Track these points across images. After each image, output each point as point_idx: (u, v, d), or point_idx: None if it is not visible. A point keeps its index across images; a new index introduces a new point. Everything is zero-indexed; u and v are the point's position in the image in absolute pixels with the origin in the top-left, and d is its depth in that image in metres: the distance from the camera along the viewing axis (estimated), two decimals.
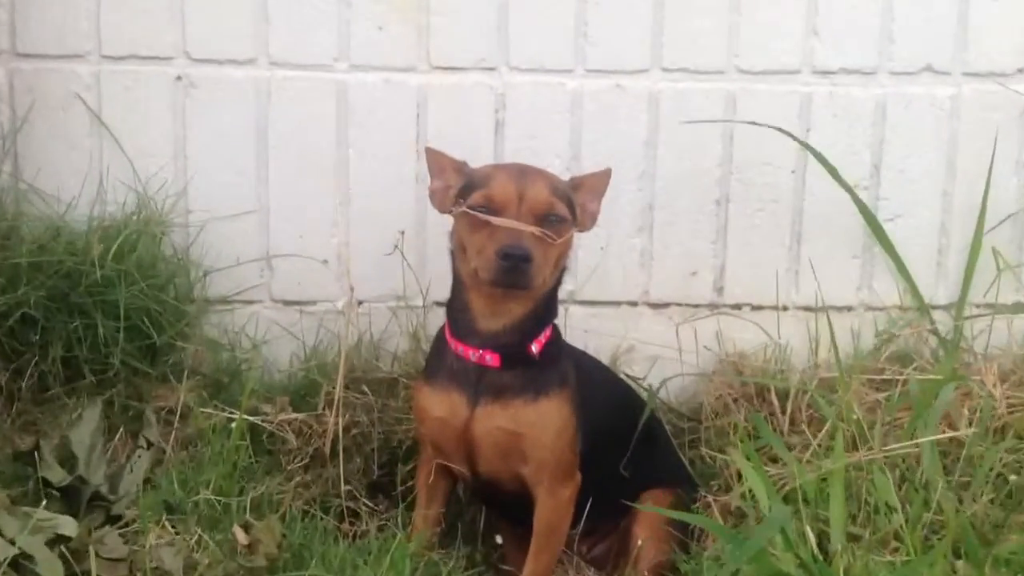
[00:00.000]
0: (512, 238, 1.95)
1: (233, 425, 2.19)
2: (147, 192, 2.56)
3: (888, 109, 2.70)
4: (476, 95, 2.57)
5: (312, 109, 2.60)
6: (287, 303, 2.69)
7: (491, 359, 2.08)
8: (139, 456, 2.25)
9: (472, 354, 2.08)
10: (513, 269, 1.93)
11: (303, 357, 2.63)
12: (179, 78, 2.57)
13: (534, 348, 2.10)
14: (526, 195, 2.02)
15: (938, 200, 2.75)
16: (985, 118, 2.71)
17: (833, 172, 2.59)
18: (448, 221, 2.22)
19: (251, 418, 2.29)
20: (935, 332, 2.67)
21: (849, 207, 2.64)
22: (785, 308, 2.74)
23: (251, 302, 2.66)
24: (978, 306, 2.76)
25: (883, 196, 2.73)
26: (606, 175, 2.28)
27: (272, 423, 2.33)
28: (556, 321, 2.18)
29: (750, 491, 2.05)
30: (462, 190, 2.12)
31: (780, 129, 2.57)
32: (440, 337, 2.19)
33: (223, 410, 2.28)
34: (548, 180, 2.10)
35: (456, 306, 2.14)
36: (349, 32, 2.59)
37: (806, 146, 2.61)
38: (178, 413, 2.29)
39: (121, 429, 2.31)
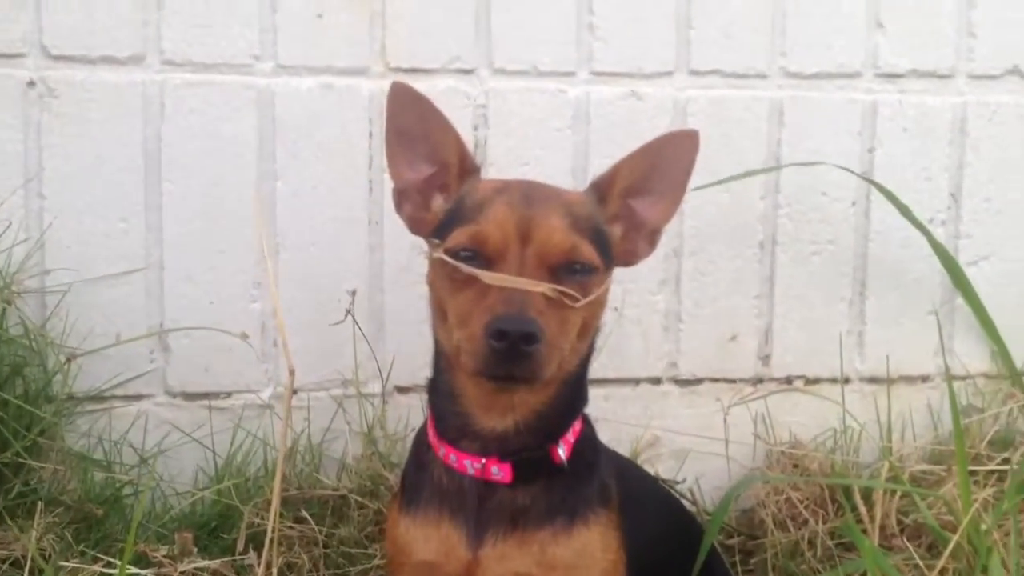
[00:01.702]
0: (510, 305, 1.51)
1: None
2: None
3: (969, 122, 2.50)
4: (450, 106, 2.09)
5: (224, 127, 2.29)
6: (189, 396, 2.35)
7: (499, 472, 1.65)
8: None
9: (471, 465, 1.66)
10: (510, 354, 1.48)
11: (214, 473, 2.30)
12: (32, 83, 2.25)
13: (561, 452, 1.68)
14: (533, 234, 1.57)
15: None
16: None
17: (905, 211, 2.39)
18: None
19: (139, 571, 1.96)
20: None
21: (923, 248, 2.43)
22: (848, 380, 2.48)
23: (138, 397, 2.32)
24: None
25: (965, 233, 2.53)
26: (679, 142, 1.76)
27: None
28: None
29: None
30: (448, 215, 1.69)
31: (838, 166, 2.39)
32: (421, 441, 1.77)
33: (96, 559, 1.96)
34: (567, 207, 1.63)
35: (441, 393, 1.71)
36: (275, 21, 2.28)
37: (871, 182, 2.43)
38: (26, 568, 1.93)
39: None
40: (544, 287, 1.52)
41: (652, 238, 1.78)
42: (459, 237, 1.58)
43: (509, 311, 1.49)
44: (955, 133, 2.47)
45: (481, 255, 1.57)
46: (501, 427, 1.65)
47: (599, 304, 1.66)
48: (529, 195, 1.64)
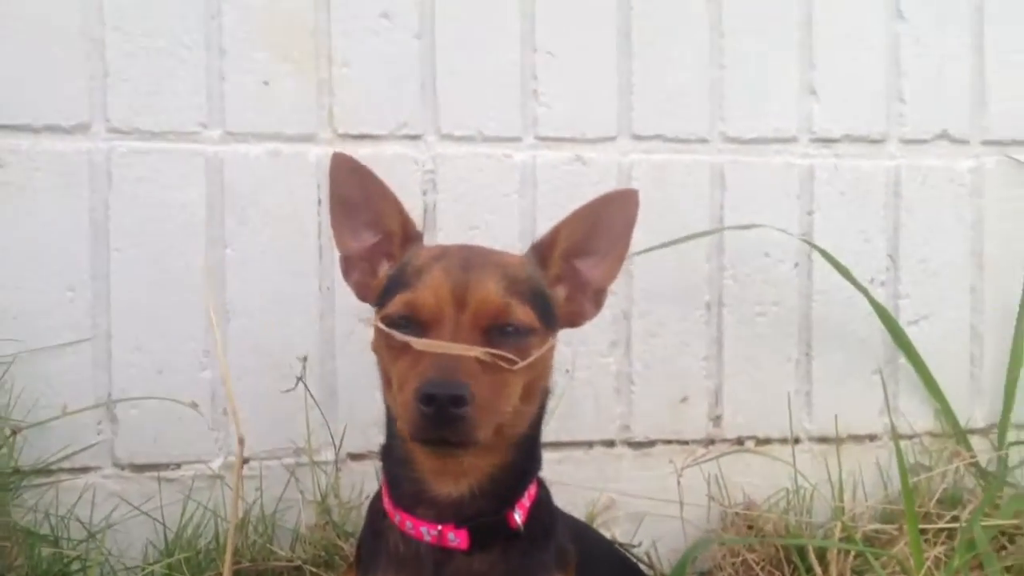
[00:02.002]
0: (439, 370, 1.46)
1: None
2: None
3: (902, 185, 2.53)
4: (398, 171, 2.29)
5: (173, 195, 2.25)
6: (138, 468, 2.27)
7: (456, 538, 1.59)
8: None
9: (427, 532, 1.59)
10: (440, 418, 1.43)
11: (163, 547, 2.20)
12: None
13: (517, 517, 1.63)
14: (468, 297, 1.54)
15: (966, 297, 2.57)
16: (1013, 195, 2.57)
17: (845, 272, 2.41)
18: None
19: None
20: (976, 465, 2.47)
21: (866, 307, 2.45)
22: (798, 440, 2.46)
23: (85, 470, 2.24)
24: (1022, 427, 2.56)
25: (904, 293, 2.54)
26: (619, 201, 1.73)
27: None
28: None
29: None
30: (390, 281, 1.64)
31: (776, 228, 2.40)
32: (376, 508, 1.71)
33: None
34: (503, 270, 1.60)
35: (395, 459, 1.65)
36: (223, 88, 2.25)
37: (811, 244, 2.45)
38: None
39: None
40: (476, 351, 1.48)
41: (597, 298, 1.74)
42: (396, 305, 1.55)
43: (437, 376, 1.45)
44: (889, 196, 2.48)
45: (416, 321, 1.53)
46: (456, 493, 1.60)
47: (543, 366, 1.62)
48: (467, 260, 1.60)
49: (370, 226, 1.69)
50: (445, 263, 1.57)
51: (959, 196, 2.52)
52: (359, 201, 1.68)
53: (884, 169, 2.48)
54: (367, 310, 1.68)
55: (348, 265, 1.72)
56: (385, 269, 1.67)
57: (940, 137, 2.50)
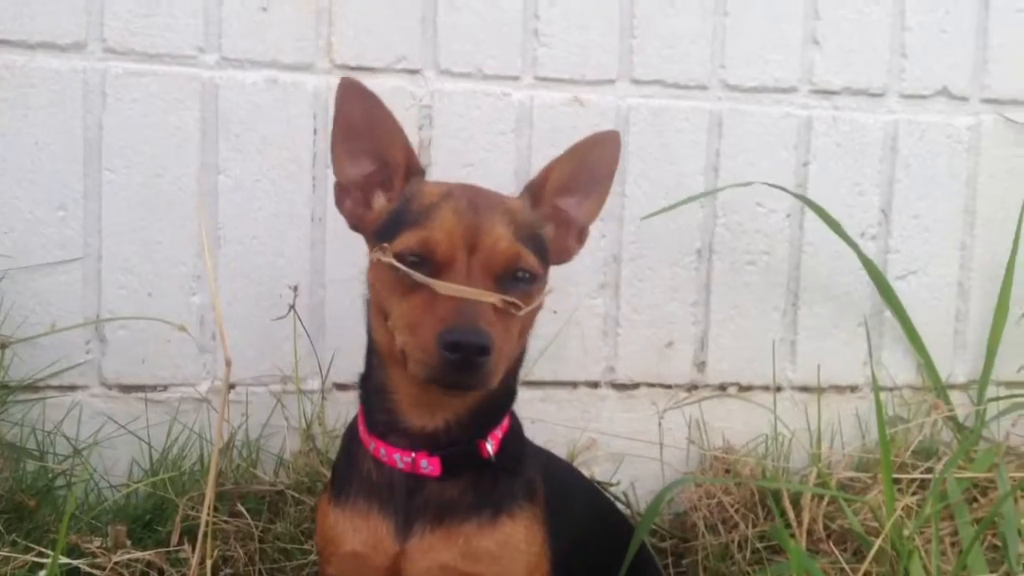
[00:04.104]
0: (462, 316, 1.47)
1: (42, 574, 1.80)
2: None
3: (899, 140, 2.52)
4: (395, 105, 2.03)
5: (168, 118, 2.23)
6: (125, 388, 2.28)
7: (428, 466, 1.62)
8: None
9: (400, 459, 1.63)
10: (463, 365, 1.45)
11: (148, 466, 2.22)
12: None
13: (489, 447, 1.65)
14: (480, 242, 1.54)
15: (955, 254, 2.57)
16: (1009, 154, 2.56)
17: (835, 227, 2.42)
18: (361, 252, 1.73)
19: (71, 561, 1.90)
20: (954, 419, 2.48)
21: (854, 261, 2.46)
22: (780, 388, 2.48)
23: (72, 387, 2.25)
24: (1002, 384, 2.57)
25: (894, 248, 2.54)
26: (603, 144, 1.74)
27: (104, 568, 1.91)
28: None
29: None
30: (392, 216, 1.63)
31: (771, 184, 2.39)
32: (352, 435, 1.74)
33: (28, 549, 1.88)
34: (511, 215, 1.61)
35: (373, 389, 1.67)
36: (220, 12, 2.23)
37: (802, 199, 2.44)
38: None
39: None
40: (494, 298, 1.50)
41: (581, 236, 1.77)
42: (407, 241, 1.54)
43: (462, 323, 1.46)
44: (886, 151, 2.48)
45: (429, 261, 1.53)
46: (431, 425, 1.62)
47: (537, 308, 1.63)
48: (475, 202, 1.59)
49: (370, 154, 1.68)
50: (454, 203, 1.57)
51: (955, 153, 2.51)
52: (363, 128, 1.67)
53: (882, 123, 2.47)
54: (359, 245, 1.69)
55: (342, 192, 1.71)
56: (382, 202, 1.67)
57: (940, 93, 2.49)
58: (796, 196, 2.39)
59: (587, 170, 1.72)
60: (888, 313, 2.49)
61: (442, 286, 1.48)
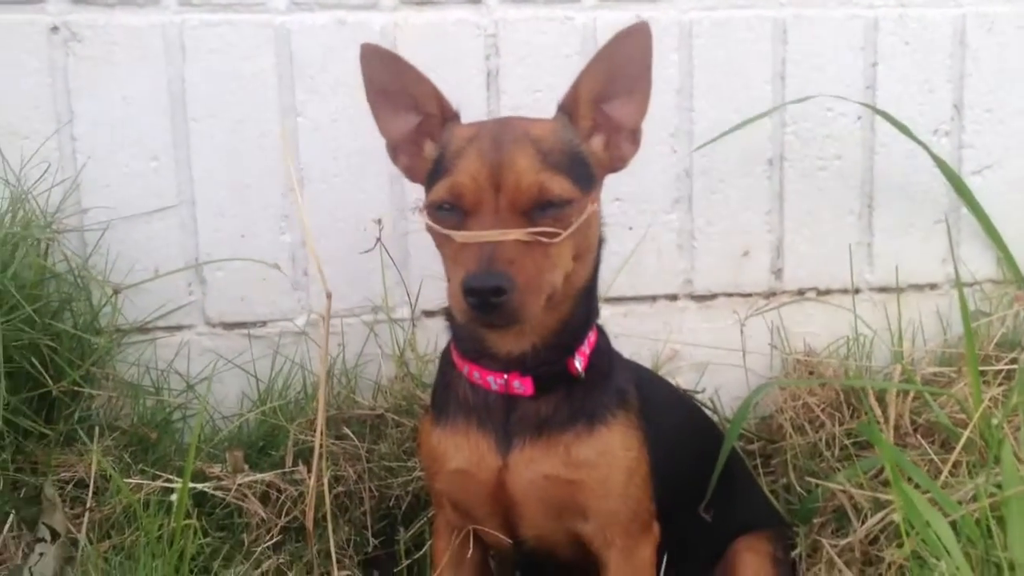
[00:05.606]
0: (478, 261, 1.50)
1: (173, 497, 1.88)
2: (23, 184, 2.14)
3: (968, 33, 2.46)
4: (461, 37, 2.26)
5: (244, 65, 2.24)
6: (228, 326, 2.34)
7: (521, 386, 1.67)
8: (40, 556, 1.83)
9: (493, 381, 1.67)
10: (484, 307, 1.48)
11: (256, 396, 2.29)
12: (56, 28, 2.19)
13: (577, 363, 1.69)
14: (504, 179, 1.55)
15: None
16: None
17: (904, 130, 2.38)
18: None
19: (198, 485, 1.97)
20: None
21: (928, 159, 2.42)
22: (858, 291, 2.49)
23: (179, 327, 2.32)
24: None
25: (968, 143, 2.50)
26: (631, 38, 1.66)
27: (229, 490, 1.99)
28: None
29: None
30: (434, 164, 1.65)
31: (838, 96, 2.38)
32: (446, 360, 1.79)
33: (156, 477, 1.96)
34: (536, 144, 1.59)
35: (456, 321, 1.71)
36: None
37: (870, 107, 2.40)
38: (91, 487, 1.93)
39: (11, 516, 1.91)
40: (515, 234, 1.50)
41: (634, 137, 1.72)
42: (439, 192, 1.57)
43: (477, 268, 1.48)
44: (955, 45, 2.42)
45: (459, 208, 1.55)
46: (518, 349, 1.65)
47: (588, 225, 1.62)
48: (499, 138, 1.59)
49: (410, 109, 1.70)
50: (478, 144, 1.58)
51: None
52: (395, 87, 1.69)
53: (950, 17, 2.41)
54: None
55: (395, 150, 1.75)
56: (431, 148, 1.69)
57: None
58: (862, 104, 2.36)
59: (620, 69, 1.66)
60: (965, 209, 2.46)
61: (459, 235, 1.52)
